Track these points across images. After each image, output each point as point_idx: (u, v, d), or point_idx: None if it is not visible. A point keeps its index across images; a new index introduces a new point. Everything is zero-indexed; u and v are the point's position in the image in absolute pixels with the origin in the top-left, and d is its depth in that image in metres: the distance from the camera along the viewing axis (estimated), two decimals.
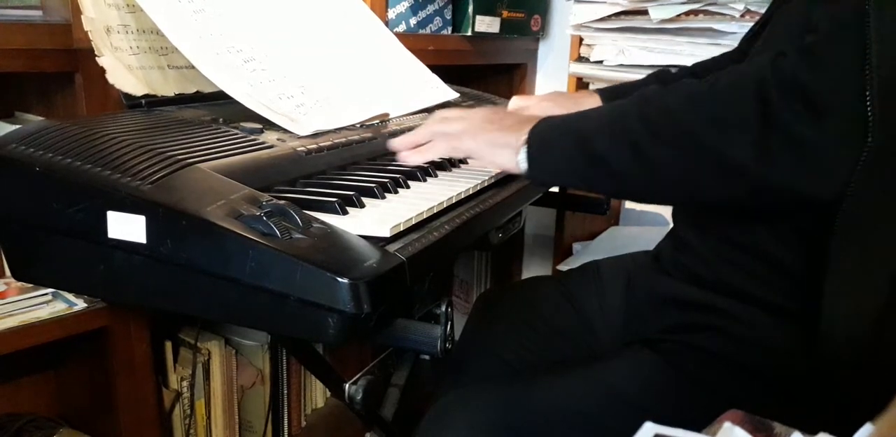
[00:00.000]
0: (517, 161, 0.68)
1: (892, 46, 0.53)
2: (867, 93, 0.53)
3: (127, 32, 0.76)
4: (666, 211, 1.57)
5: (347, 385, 0.91)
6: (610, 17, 1.27)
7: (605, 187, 0.71)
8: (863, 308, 0.59)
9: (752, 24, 1.12)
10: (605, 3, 1.26)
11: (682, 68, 1.01)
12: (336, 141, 0.75)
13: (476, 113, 0.75)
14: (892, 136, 0.54)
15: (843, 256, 0.59)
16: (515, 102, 0.99)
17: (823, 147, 0.55)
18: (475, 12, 1.36)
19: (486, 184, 0.77)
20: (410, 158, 0.74)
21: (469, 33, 1.37)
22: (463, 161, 0.85)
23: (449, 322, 0.65)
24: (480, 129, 0.71)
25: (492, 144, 0.70)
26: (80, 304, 0.80)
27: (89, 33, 0.71)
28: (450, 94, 1.09)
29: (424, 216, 0.61)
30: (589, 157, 0.64)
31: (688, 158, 0.60)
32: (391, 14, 1.23)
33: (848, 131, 0.54)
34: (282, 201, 0.54)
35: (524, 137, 0.68)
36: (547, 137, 0.68)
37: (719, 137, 0.58)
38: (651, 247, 0.87)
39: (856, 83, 0.54)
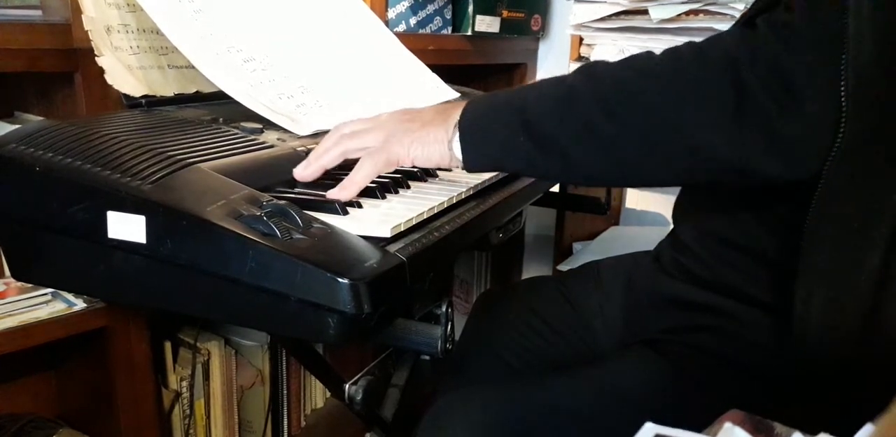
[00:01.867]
0: (451, 154, 0.63)
1: (869, 44, 0.53)
2: (842, 84, 0.53)
3: (127, 32, 0.76)
4: (666, 211, 1.57)
5: (347, 386, 0.91)
6: (610, 16, 1.27)
7: (555, 171, 0.64)
8: (840, 305, 0.58)
9: None
10: (605, 2, 1.26)
11: None
12: None
13: (384, 116, 0.68)
14: (863, 130, 0.54)
15: (816, 251, 0.58)
16: None
17: (797, 133, 0.54)
18: (475, 12, 1.36)
19: (486, 184, 0.77)
20: (339, 195, 0.62)
21: (469, 33, 1.36)
22: None
23: (449, 322, 0.65)
24: (402, 130, 0.64)
25: (422, 143, 0.64)
26: (80, 304, 0.80)
27: (89, 33, 0.71)
28: (450, 93, 1.09)
29: (425, 216, 0.61)
30: (536, 141, 0.60)
31: (651, 139, 0.57)
32: (391, 14, 1.23)
33: (822, 120, 0.54)
34: (282, 201, 0.54)
35: (453, 126, 0.63)
36: (482, 124, 0.62)
37: (686, 118, 0.56)
38: (651, 247, 0.87)
39: (832, 72, 0.53)
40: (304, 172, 0.66)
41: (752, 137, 0.55)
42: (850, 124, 0.53)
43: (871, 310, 0.58)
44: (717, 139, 0.55)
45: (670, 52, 0.59)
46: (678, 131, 0.56)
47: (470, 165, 0.64)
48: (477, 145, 0.62)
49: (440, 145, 0.63)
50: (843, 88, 0.53)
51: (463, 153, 0.63)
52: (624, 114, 0.57)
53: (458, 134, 0.62)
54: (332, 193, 0.62)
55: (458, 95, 1.10)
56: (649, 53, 0.61)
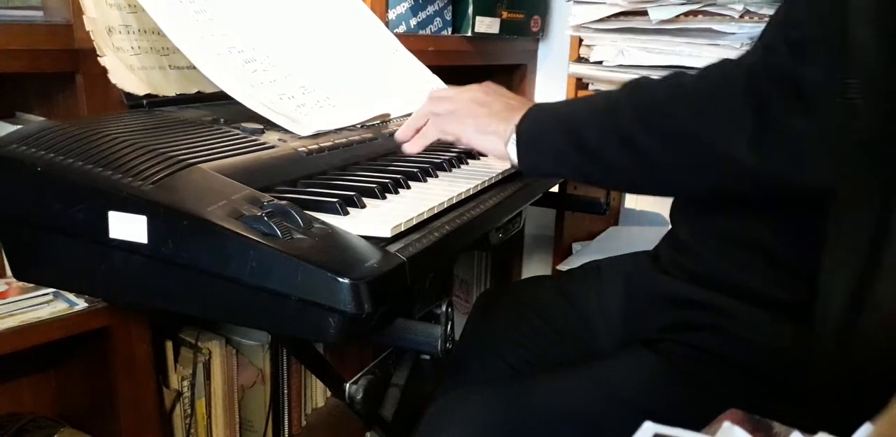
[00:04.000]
0: (506, 151, 0.69)
1: (873, 52, 0.54)
2: (851, 91, 0.54)
3: (128, 32, 0.76)
4: (664, 211, 1.57)
5: (348, 385, 0.91)
6: (609, 17, 1.27)
7: (598, 180, 0.70)
8: (862, 297, 0.59)
9: (751, 24, 1.13)
10: (604, 3, 1.26)
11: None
12: (337, 141, 0.75)
13: (466, 92, 0.75)
14: (880, 125, 0.55)
15: (836, 248, 0.59)
16: None
17: (815, 137, 0.56)
18: (475, 13, 1.36)
19: (486, 184, 0.77)
20: (408, 149, 0.74)
21: (469, 34, 1.37)
22: (463, 161, 0.85)
23: (449, 322, 0.65)
24: (469, 112, 0.71)
25: (480, 131, 0.70)
26: (81, 304, 0.80)
27: (91, 33, 0.71)
28: None
29: (425, 217, 0.62)
30: (580, 149, 0.64)
31: (680, 151, 0.61)
32: (391, 15, 1.24)
33: (838, 121, 0.55)
34: (283, 202, 0.54)
35: (513, 126, 0.68)
36: (537, 128, 0.67)
37: (712, 130, 0.58)
38: (650, 247, 0.87)
39: (841, 81, 0.54)
40: (401, 134, 0.79)
41: (773, 142, 0.56)
42: (865, 124, 0.54)
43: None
44: (741, 147, 0.57)
45: (703, 69, 0.62)
46: (704, 140, 0.59)
47: (524, 168, 0.70)
48: (530, 149, 0.67)
49: (497, 139, 0.70)
50: (851, 96, 0.54)
51: (518, 158, 0.68)
52: (655, 126, 0.61)
53: (514, 136, 0.67)
54: (404, 147, 0.76)
55: None
56: (688, 72, 0.64)
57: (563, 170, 0.70)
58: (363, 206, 0.62)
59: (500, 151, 0.70)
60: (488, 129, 0.70)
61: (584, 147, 0.64)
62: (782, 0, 0.68)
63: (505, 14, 1.44)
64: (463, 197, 0.71)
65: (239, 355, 1.14)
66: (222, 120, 0.73)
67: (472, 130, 0.71)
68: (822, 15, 0.57)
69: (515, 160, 0.69)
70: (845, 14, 0.55)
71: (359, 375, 0.92)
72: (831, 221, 0.59)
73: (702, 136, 0.59)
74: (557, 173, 0.74)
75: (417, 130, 0.78)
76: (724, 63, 0.62)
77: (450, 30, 1.37)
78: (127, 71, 0.74)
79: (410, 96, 1.00)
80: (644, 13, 1.22)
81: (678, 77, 0.64)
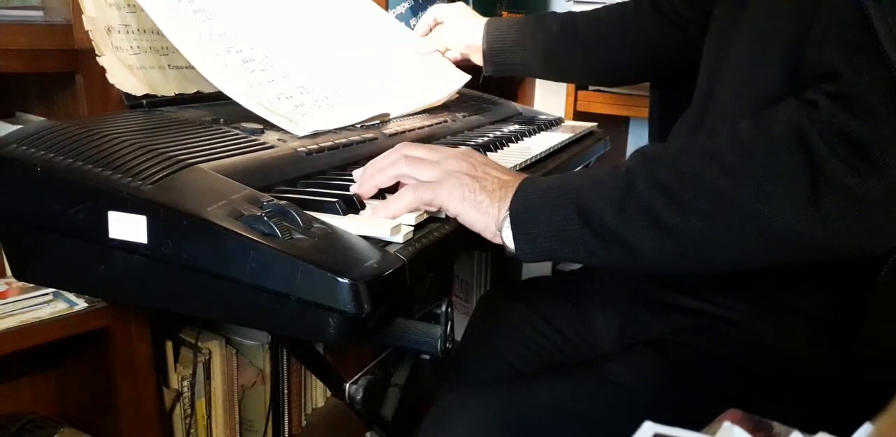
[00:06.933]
0: (499, 234, 0.61)
1: None
2: None
3: (128, 32, 0.76)
4: None
5: (348, 385, 0.91)
6: None
7: (616, 260, 0.59)
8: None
9: None
10: (603, 3, 1.26)
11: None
12: (336, 141, 0.75)
13: (452, 161, 0.64)
14: None
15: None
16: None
17: (879, 200, 0.51)
18: None
19: None
20: (379, 212, 0.60)
21: None
22: None
23: (449, 322, 0.65)
24: (458, 184, 0.61)
25: (473, 208, 0.61)
26: (81, 304, 0.80)
27: (90, 33, 0.71)
28: (462, 78, 1.11)
29: (425, 217, 0.61)
30: (594, 230, 0.57)
31: (723, 226, 0.54)
32: (391, 15, 1.24)
33: None
34: (282, 202, 0.54)
35: (506, 208, 0.60)
36: (534, 212, 0.59)
37: (761, 198, 0.52)
38: None
39: None
40: (360, 189, 0.65)
41: (831, 207, 0.51)
42: None
43: None
44: (795, 214, 0.52)
45: (728, 133, 0.56)
46: (750, 211, 0.53)
47: (523, 255, 0.61)
48: (530, 234, 0.59)
49: (488, 220, 0.61)
50: None
51: (515, 242, 0.60)
52: (688, 200, 0.54)
53: (508, 220, 0.60)
54: (378, 209, 0.61)
55: (469, 77, 1.11)
56: (703, 136, 0.58)
57: (572, 251, 0.60)
58: (363, 206, 0.62)
59: (489, 230, 0.62)
60: (480, 207, 0.61)
61: (597, 226, 0.57)
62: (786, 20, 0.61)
63: (505, 14, 1.44)
64: None
65: (239, 355, 1.14)
66: (222, 120, 0.73)
67: (464, 206, 0.61)
68: (864, 67, 0.51)
69: (511, 245, 0.61)
70: (889, 65, 0.50)
71: (359, 375, 0.92)
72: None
73: (745, 203, 0.53)
74: (561, 255, 0.61)
75: (379, 188, 0.66)
76: (750, 123, 0.56)
77: None
78: (126, 71, 0.73)
79: (410, 95, 1.00)
80: None
81: (695, 143, 0.58)
